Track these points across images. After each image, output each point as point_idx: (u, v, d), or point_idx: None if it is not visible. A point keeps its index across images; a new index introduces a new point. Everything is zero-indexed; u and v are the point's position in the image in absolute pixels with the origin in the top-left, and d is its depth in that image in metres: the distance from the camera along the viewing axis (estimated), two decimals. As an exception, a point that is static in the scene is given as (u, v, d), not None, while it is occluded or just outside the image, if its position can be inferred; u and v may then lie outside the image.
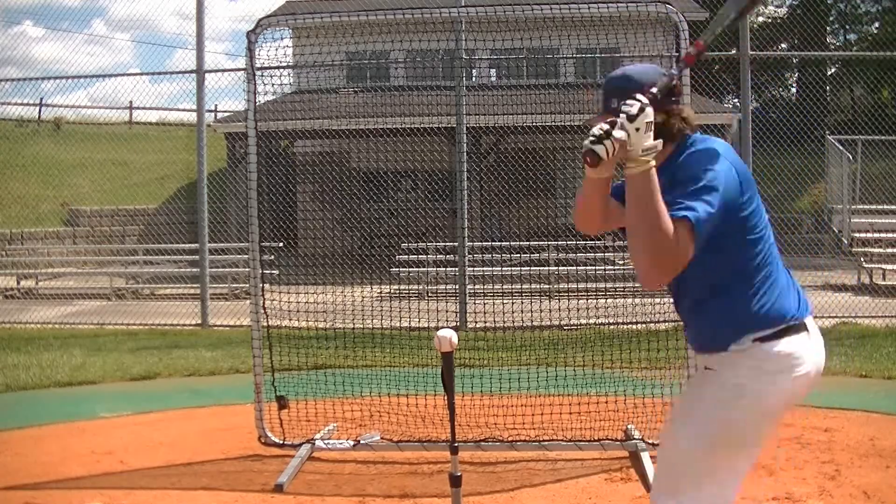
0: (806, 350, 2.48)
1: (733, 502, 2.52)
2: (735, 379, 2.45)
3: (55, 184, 18.58)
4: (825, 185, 16.80)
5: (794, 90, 27.15)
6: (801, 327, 2.49)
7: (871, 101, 24.21)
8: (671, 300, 2.66)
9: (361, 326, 7.16)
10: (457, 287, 10.15)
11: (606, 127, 2.19)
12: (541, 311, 8.70)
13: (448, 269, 12.76)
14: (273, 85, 5.48)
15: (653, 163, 2.23)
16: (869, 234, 13.92)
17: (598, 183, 2.44)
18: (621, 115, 2.21)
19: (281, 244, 12.79)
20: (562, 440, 4.96)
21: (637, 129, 2.19)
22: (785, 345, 2.45)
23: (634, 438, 4.93)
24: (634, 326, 7.93)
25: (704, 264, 2.37)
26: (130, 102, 21.52)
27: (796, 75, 26.72)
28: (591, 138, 2.19)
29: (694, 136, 2.50)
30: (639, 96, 2.23)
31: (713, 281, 2.47)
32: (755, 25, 23.75)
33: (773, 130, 13.51)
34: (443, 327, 3.16)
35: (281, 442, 5.04)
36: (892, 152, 15.00)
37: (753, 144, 10.07)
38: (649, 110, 2.22)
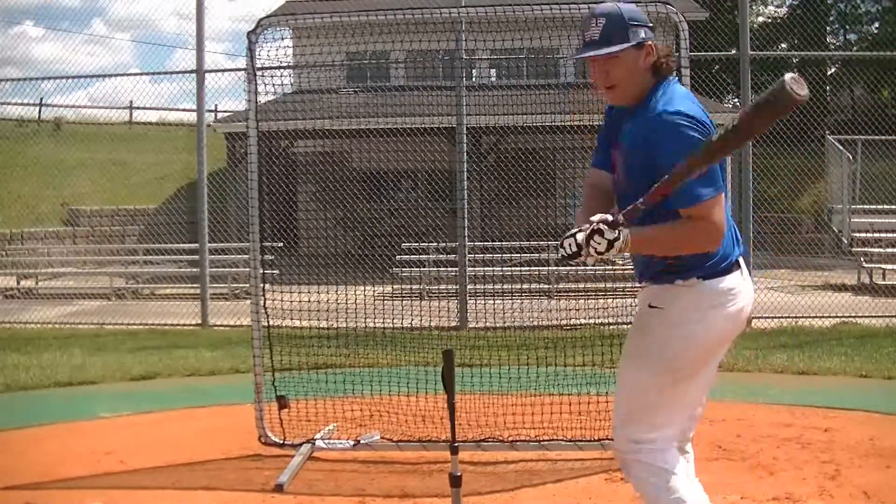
0: (740, 286, 2.64)
1: (685, 428, 2.77)
2: (677, 314, 2.61)
3: (55, 184, 18.56)
4: (825, 185, 16.79)
5: (794, 90, 27.08)
6: (736, 265, 2.65)
7: (871, 101, 24.19)
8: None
9: (361, 326, 7.14)
10: (457, 287, 10.15)
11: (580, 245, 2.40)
12: (540, 310, 8.70)
13: (448, 269, 12.77)
14: (273, 85, 5.48)
15: (627, 244, 2.40)
16: (869, 234, 13.92)
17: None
18: (592, 248, 2.39)
19: (281, 244, 12.78)
20: (562, 440, 4.95)
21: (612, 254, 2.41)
22: (724, 282, 2.61)
23: (634, 438, 4.93)
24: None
25: (668, 203, 2.46)
26: (130, 102, 21.47)
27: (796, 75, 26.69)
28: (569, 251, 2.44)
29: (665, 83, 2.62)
30: (607, 233, 2.37)
31: (672, 218, 2.54)
32: (755, 25, 23.75)
33: (773, 130, 13.48)
34: None
35: (281, 442, 5.04)
36: (892, 152, 14.99)
37: (753, 144, 10.06)
38: (618, 243, 2.38)
